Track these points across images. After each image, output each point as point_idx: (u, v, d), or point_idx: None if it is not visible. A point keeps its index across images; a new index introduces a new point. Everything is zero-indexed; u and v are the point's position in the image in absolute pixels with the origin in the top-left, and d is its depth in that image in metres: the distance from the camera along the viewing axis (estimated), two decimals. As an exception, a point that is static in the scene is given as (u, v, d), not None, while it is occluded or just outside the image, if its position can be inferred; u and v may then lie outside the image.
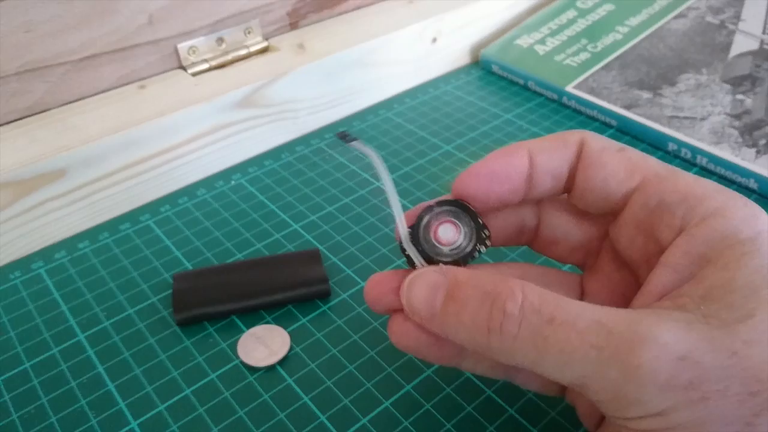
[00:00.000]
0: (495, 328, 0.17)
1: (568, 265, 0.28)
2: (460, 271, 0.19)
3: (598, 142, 0.20)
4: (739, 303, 0.16)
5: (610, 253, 0.22)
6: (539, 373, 0.17)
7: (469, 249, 0.20)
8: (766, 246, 0.17)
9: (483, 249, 0.20)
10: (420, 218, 0.21)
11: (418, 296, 0.19)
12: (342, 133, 0.21)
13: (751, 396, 0.15)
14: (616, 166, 0.20)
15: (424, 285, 0.19)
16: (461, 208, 0.21)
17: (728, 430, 0.15)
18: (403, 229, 0.20)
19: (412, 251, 0.20)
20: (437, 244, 0.20)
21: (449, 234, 0.20)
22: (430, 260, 0.20)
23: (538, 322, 0.17)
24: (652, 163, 0.20)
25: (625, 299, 0.21)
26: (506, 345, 0.17)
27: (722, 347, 0.15)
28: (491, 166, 0.21)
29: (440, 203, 0.21)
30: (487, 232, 0.20)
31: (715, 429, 0.15)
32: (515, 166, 0.20)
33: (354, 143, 0.21)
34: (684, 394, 0.15)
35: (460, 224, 0.21)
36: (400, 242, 0.20)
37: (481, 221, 0.20)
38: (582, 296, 0.23)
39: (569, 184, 0.21)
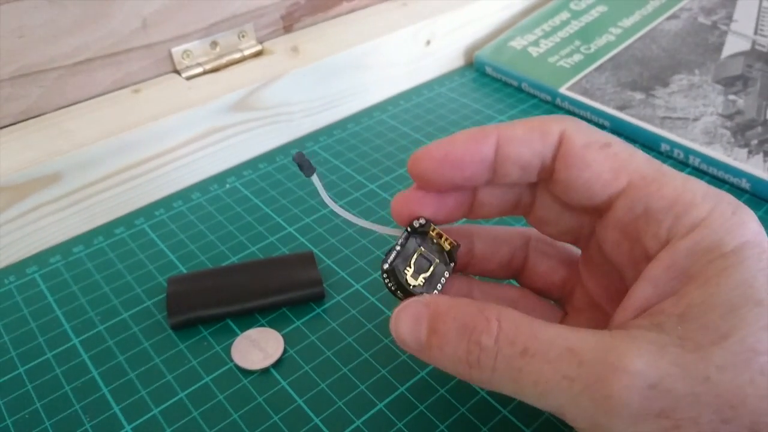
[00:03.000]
0: (474, 362, 0.17)
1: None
2: (441, 301, 0.19)
3: (581, 137, 0.19)
4: (716, 323, 0.16)
5: (599, 248, 0.22)
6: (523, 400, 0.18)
7: (437, 278, 0.21)
8: (750, 257, 0.16)
9: (447, 275, 0.21)
10: (397, 253, 0.21)
11: (404, 329, 0.19)
12: (300, 157, 0.21)
13: (723, 423, 0.15)
14: (601, 166, 0.19)
15: (408, 318, 0.19)
16: (438, 238, 0.21)
17: None
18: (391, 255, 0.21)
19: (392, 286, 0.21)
20: (409, 287, 0.21)
21: (423, 266, 0.21)
22: (406, 291, 0.21)
23: (512, 354, 0.17)
24: (639, 162, 0.19)
25: (615, 292, 0.21)
26: (485, 377, 0.17)
27: (694, 373, 0.15)
28: (447, 149, 0.20)
29: (413, 233, 0.21)
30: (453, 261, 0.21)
31: None
32: (474, 153, 0.20)
33: (313, 178, 0.21)
34: (656, 422, 0.15)
35: (432, 259, 0.21)
36: (382, 275, 0.21)
37: (450, 261, 0.21)
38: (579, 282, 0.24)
39: (546, 174, 0.20)
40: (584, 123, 0.20)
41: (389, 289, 0.21)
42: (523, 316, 0.18)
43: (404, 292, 0.21)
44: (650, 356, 0.15)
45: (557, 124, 0.19)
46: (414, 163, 0.20)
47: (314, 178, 0.21)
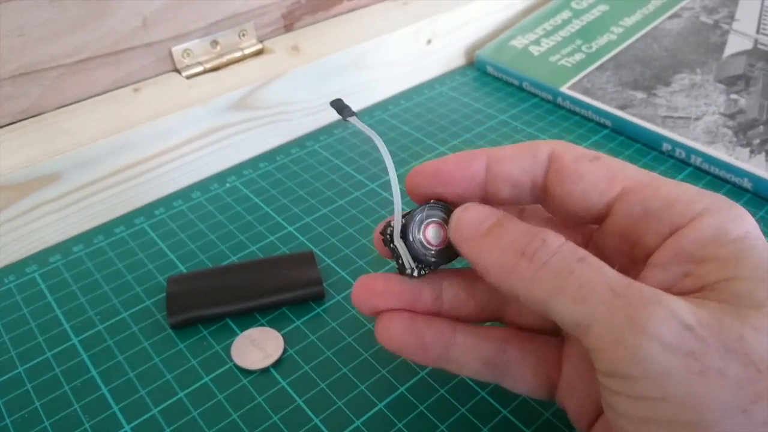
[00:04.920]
0: (530, 252, 0.18)
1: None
2: (512, 216, 0.19)
3: (570, 153, 0.20)
4: (749, 292, 0.16)
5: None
6: (548, 311, 0.17)
7: (451, 254, 0.21)
8: (757, 245, 0.17)
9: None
10: (412, 214, 0.21)
11: (468, 218, 0.19)
12: (338, 102, 0.21)
13: (749, 382, 0.15)
14: (595, 176, 0.20)
15: (478, 210, 0.19)
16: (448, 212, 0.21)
17: (724, 415, 0.15)
18: (398, 224, 0.21)
19: (401, 248, 0.20)
20: (425, 243, 0.21)
21: (436, 238, 0.21)
22: (415, 257, 0.20)
23: (570, 257, 0.17)
24: (631, 170, 0.20)
25: None
26: (532, 271, 0.17)
27: (730, 329, 0.15)
28: (438, 166, 0.21)
29: (433, 203, 0.21)
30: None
31: (711, 410, 0.15)
32: (464, 170, 0.21)
33: (350, 119, 0.21)
34: (684, 361, 0.15)
35: (447, 231, 0.21)
36: (390, 235, 0.21)
37: None
38: None
39: (539, 194, 0.21)
40: (571, 143, 0.21)
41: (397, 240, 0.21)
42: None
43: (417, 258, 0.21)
44: (692, 304, 0.16)
45: (546, 145, 0.21)
46: (409, 178, 0.22)
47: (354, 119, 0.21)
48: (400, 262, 0.21)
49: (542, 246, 0.18)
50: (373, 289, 0.21)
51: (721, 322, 0.15)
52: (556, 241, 0.18)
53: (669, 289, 0.17)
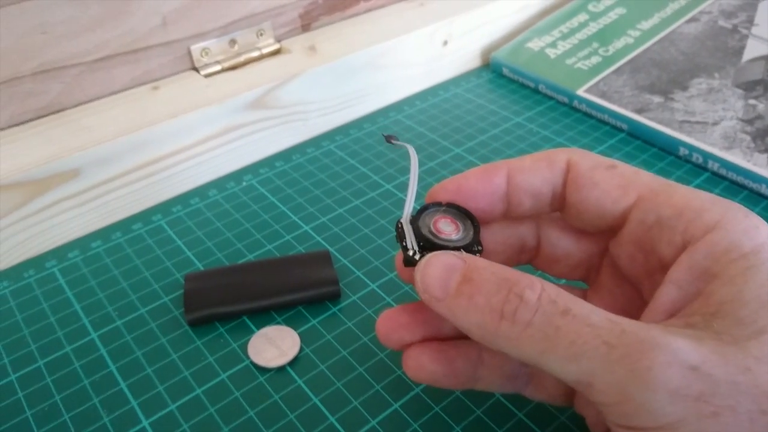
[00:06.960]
0: (509, 313, 0.17)
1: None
2: (478, 258, 0.19)
3: (587, 161, 0.20)
4: (750, 319, 0.16)
5: (611, 269, 0.22)
6: (544, 368, 0.17)
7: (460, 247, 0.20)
8: None
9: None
10: (426, 207, 0.21)
11: (433, 275, 0.18)
12: (388, 136, 0.22)
13: (762, 414, 0.15)
14: (609, 184, 0.20)
15: (440, 264, 0.18)
16: (468, 217, 0.21)
17: None
18: (409, 207, 0.20)
19: (407, 229, 0.20)
20: (434, 232, 0.20)
21: (448, 229, 0.21)
22: (421, 243, 0.20)
23: (552, 312, 0.16)
24: (645, 178, 0.20)
25: (628, 315, 0.21)
26: (516, 332, 0.17)
27: (735, 362, 0.15)
28: (460, 182, 0.21)
29: (450, 204, 0.21)
30: (480, 248, 0.20)
31: None
32: (486, 185, 0.21)
33: (395, 142, 0.22)
34: (694, 406, 0.15)
35: (460, 227, 0.21)
36: (399, 221, 0.21)
37: (478, 236, 0.21)
38: None
39: (558, 204, 0.21)
40: (589, 151, 0.21)
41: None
42: (564, 290, 0.17)
43: (427, 242, 0.20)
44: (691, 342, 0.15)
45: (563, 154, 0.21)
46: (431, 196, 0.21)
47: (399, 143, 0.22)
48: (404, 243, 0.20)
49: (521, 304, 0.17)
50: (398, 322, 0.21)
51: (725, 356, 0.15)
52: (532, 294, 0.17)
53: (682, 310, 0.17)
